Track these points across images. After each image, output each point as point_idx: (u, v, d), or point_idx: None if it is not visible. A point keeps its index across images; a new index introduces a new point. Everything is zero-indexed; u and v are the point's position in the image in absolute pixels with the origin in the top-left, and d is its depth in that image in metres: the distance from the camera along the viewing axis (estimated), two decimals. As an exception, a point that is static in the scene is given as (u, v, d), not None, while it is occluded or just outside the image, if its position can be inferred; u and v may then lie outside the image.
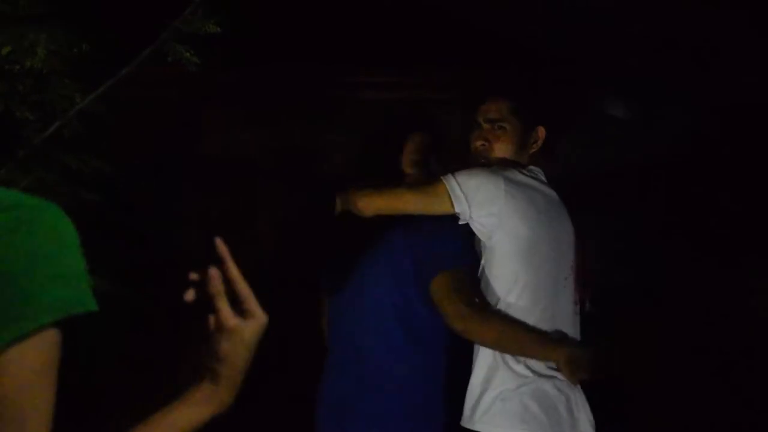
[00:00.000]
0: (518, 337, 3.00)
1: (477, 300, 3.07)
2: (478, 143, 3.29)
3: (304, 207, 4.83)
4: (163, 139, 4.72)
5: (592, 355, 2.95)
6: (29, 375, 1.19)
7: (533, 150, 3.30)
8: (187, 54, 2.78)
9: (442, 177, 3.09)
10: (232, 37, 2.91)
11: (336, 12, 4.51)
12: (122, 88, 2.90)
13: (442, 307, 3.07)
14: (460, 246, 3.17)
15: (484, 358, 3.05)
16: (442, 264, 3.13)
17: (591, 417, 3.03)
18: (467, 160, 3.33)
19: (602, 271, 3.32)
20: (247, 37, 3.95)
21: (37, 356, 1.20)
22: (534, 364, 3.00)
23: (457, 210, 3.05)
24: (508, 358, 3.01)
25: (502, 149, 3.27)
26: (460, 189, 3.04)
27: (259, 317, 1.44)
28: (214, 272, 1.41)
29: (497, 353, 3.03)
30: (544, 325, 3.03)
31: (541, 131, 3.31)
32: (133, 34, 2.89)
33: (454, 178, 3.06)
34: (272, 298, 4.47)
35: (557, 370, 2.97)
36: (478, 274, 3.12)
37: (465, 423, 3.04)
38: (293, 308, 3.97)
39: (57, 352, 1.22)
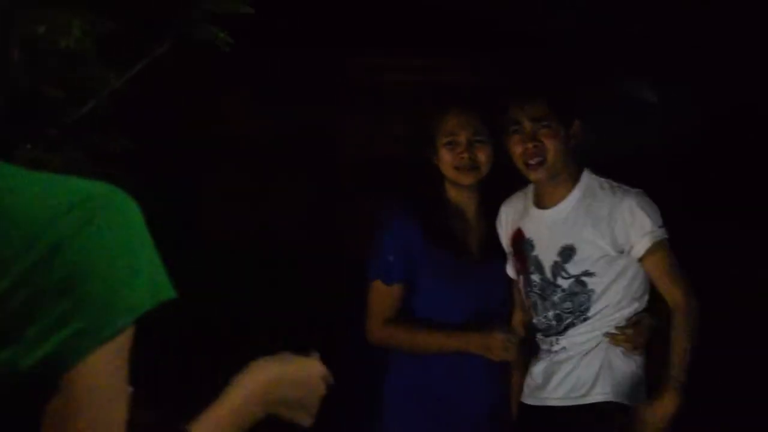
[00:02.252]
0: (423, 341, 3.35)
1: (390, 316, 3.36)
2: (530, 145, 3.20)
3: (324, 191, 4.84)
4: (186, 120, 4.73)
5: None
6: (107, 379, 1.15)
7: (572, 145, 3.28)
8: (221, 35, 2.77)
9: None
10: (255, 19, 2.91)
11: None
12: (151, 68, 2.91)
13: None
14: (396, 260, 3.36)
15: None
16: (373, 272, 3.40)
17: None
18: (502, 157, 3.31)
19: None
20: (269, 19, 3.95)
21: (114, 358, 1.16)
22: None
23: None
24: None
25: (554, 148, 3.21)
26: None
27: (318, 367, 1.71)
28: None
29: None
30: None
31: (577, 125, 3.29)
32: (161, 15, 2.88)
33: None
34: (290, 280, 4.49)
35: None
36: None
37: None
38: (313, 292, 4.00)
39: (130, 345, 1.18)
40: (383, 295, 3.38)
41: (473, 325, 3.36)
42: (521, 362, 3.39)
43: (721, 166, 4.57)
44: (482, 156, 3.34)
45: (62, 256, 1.12)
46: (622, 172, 3.44)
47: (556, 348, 3.28)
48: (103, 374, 1.15)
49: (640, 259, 3.23)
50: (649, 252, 3.21)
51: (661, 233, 3.23)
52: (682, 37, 4.29)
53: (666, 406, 3.19)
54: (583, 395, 3.25)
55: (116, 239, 1.15)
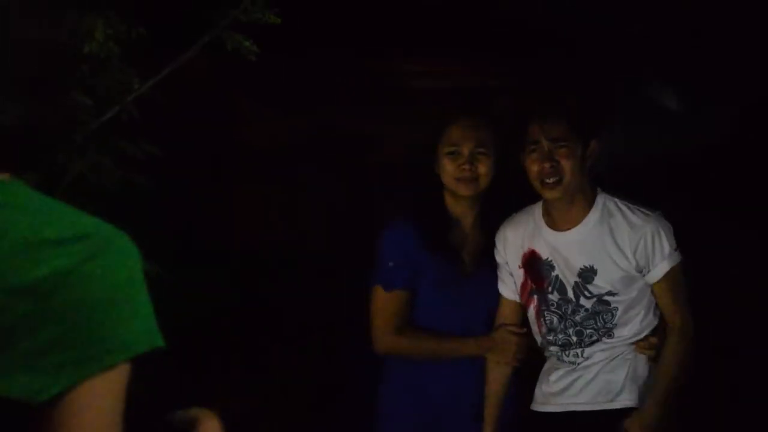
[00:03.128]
0: (433, 349, 3.40)
1: (396, 323, 3.38)
2: (547, 165, 3.19)
3: (351, 197, 4.83)
4: (211, 125, 4.74)
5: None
6: (95, 415, 1.14)
7: (588, 165, 3.28)
8: (246, 43, 2.78)
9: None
10: (282, 24, 2.91)
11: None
12: (176, 75, 2.92)
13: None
14: (396, 266, 3.38)
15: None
16: (374, 279, 3.41)
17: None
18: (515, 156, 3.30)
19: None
20: (295, 25, 3.96)
21: (105, 394, 1.15)
22: None
23: None
24: None
25: (571, 168, 3.21)
26: None
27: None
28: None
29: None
30: None
31: (594, 145, 3.29)
32: (187, 22, 2.89)
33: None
34: (317, 286, 4.49)
35: None
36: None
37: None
38: (339, 297, 3.99)
39: (125, 386, 1.17)
40: (385, 302, 3.40)
41: (459, 335, 3.43)
42: (504, 373, 3.41)
43: (738, 167, 4.54)
44: (483, 168, 3.35)
45: (64, 283, 1.12)
46: (639, 176, 3.44)
47: (579, 360, 3.29)
48: (92, 409, 1.13)
49: (656, 281, 3.28)
50: (666, 275, 3.26)
51: (677, 256, 3.28)
52: (702, 39, 4.26)
53: (645, 418, 3.22)
54: (610, 400, 3.26)
55: (119, 278, 1.16)
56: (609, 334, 3.27)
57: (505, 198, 3.39)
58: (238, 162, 4.79)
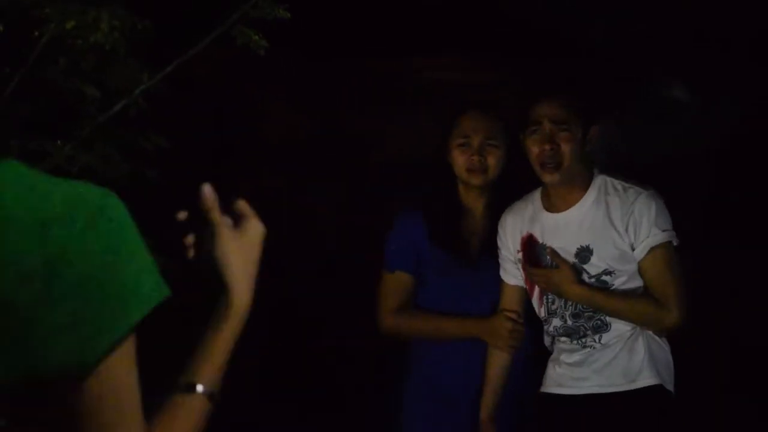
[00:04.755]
0: (433, 329, 3.47)
1: (398, 304, 3.47)
2: (546, 146, 3.21)
3: (361, 192, 4.84)
4: (222, 120, 4.75)
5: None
6: (122, 375, 1.19)
7: (588, 150, 3.29)
8: (256, 38, 2.78)
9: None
10: (291, 20, 2.91)
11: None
12: (185, 69, 2.92)
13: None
14: (398, 249, 3.49)
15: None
16: (384, 265, 3.52)
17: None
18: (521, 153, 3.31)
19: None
20: (303, 21, 3.96)
21: (127, 353, 1.19)
22: None
23: None
24: None
25: (570, 152, 3.22)
26: None
27: (256, 222, 1.45)
28: (208, 188, 1.42)
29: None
30: None
31: (595, 130, 3.30)
32: (197, 15, 2.89)
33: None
34: (329, 280, 4.51)
35: None
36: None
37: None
38: (351, 290, 3.99)
39: (135, 340, 1.21)
40: (387, 283, 3.52)
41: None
42: (502, 358, 3.43)
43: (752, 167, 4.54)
44: (492, 160, 3.45)
45: (71, 256, 1.14)
46: (652, 171, 3.43)
47: (590, 342, 3.28)
48: (123, 373, 1.18)
49: (641, 258, 3.23)
50: (653, 253, 3.22)
51: (668, 236, 3.23)
52: (716, 36, 4.26)
53: (572, 277, 3.22)
54: (632, 381, 3.25)
55: (120, 239, 1.18)
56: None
57: (514, 189, 3.43)
58: (246, 156, 4.80)
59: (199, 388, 1.36)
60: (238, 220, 1.44)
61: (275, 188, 4.84)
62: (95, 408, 1.17)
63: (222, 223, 1.42)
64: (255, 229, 1.45)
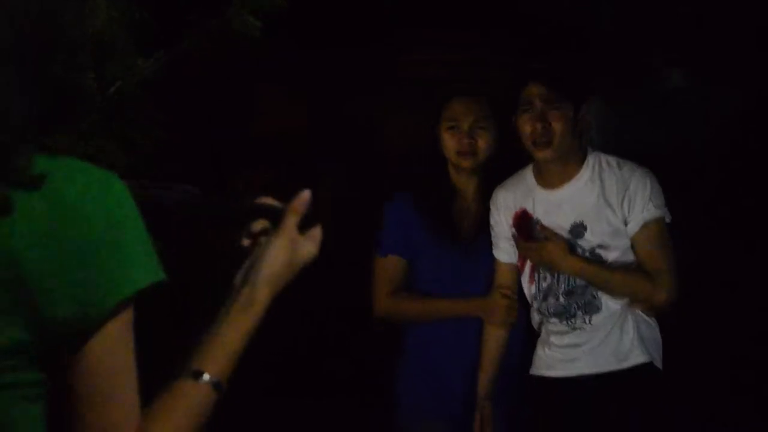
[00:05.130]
0: (427, 310, 3.49)
1: (391, 288, 3.49)
2: (539, 125, 3.23)
3: (361, 182, 4.83)
4: (220, 111, 4.74)
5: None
6: (120, 350, 1.22)
7: (579, 128, 3.30)
8: (251, 19, 2.78)
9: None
10: (289, 11, 2.91)
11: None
12: (181, 59, 2.91)
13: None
14: (390, 234, 3.52)
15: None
16: (376, 249, 3.55)
17: None
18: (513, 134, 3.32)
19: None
20: (302, 12, 3.96)
21: (123, 330, 1.22)
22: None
23: None
24: None
25: (562, 130, 3.23)
26: None
27: (313, 246, 1.54)
28: (307, 194, 1.53)
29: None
30: None
31: (586, 109, 3.32)
32: (194, 6, 2.89)
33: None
34: (328, 273, 4.48)
35: None
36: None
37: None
38: (349, 284, 3.98)
39: (132, 316, 1.24)
40: (380, 268, 3.55)
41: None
42: (499, 336, 3.44)
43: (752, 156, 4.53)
44: (482, 142, 3.47)
45: (77, 221, 1.19)
46: (652, 158, 3.43)
47: (580, 324, 3.28)
48: (117, 340, 1.22)
49: (634, 233, 3.24)
50: (645, 227, 3.23)
51: (661, 213, 3.25)
52: (715, 21, 4.25)
53: (565, 248, 3.22)
54: (623, 360, 3.26)
55: (117, 214, 1.21)
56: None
57: (505, 170, 3.45)
58: (243, 147, 4.79)
59: (206, 376, 1.37)
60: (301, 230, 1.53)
61: (272, 178, 4.83)
62: (88, 381, 1.21)
63: (290, 229, 1.51)
64: (309, 251, 1.53)
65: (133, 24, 2.74)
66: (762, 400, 4.16)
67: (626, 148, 3.65)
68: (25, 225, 1.17)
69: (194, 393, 1.36)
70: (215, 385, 1.38)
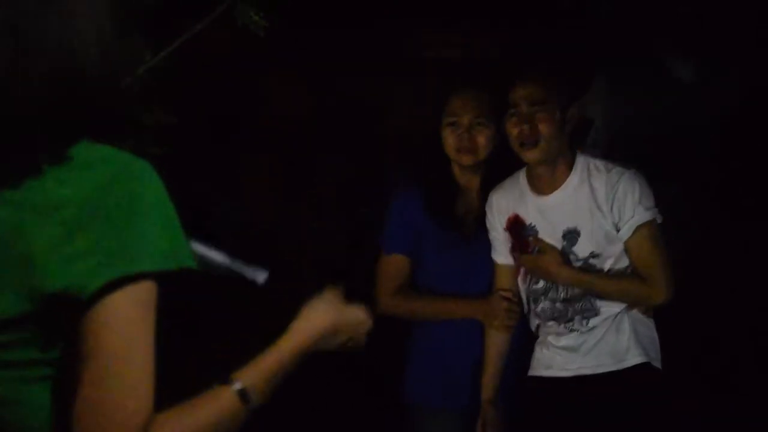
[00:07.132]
0: (430, 310, 3.52)
1: (395, 286, 3.52)
2: (525, 127, 3.25)
3: (364, 166, 4.85)
4: (224, 95, 4.75)
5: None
6: (125, 325, 1.22)
7: (567, 129, 3.31)
8: (256, 17, 2.80)
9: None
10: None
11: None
12: (187, 46, 2.94)
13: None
14: (395, 231, 3.54)
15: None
16: (382, 247, 3.57)
17: None
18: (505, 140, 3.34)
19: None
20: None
21: (133, 307, 1.23)
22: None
23: None
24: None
25: (548, 131, 3.25)
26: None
27: (365, 323, 1.80)
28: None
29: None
30: None
31: (574, 110, 3.33)
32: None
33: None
34: (331, 257, 4.51)
35: None
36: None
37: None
38: (353, 268, 4.02)
39: (154, 304, 1.25)
40: (384, 265, 3.57)
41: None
42: (500, 338, 3.46)
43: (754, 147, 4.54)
44: (482, 139, 3.47)
45: (92, 200, 1.23)
46: (653, 149, 3.44)
47: (577, 326, 3.31)
48: (121, 319, 1.22)
49: (627, 238, 3.27)
50: (638, 231, 3.26)
51: (652, 214, 3.28)
52: (718, 12, 4.26)
53: (560, 258, 3.27)
54: (620, 360, 3.29)
55: (145, 198, 1.25)
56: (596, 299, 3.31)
57: (509, 166, 3.44)
58: (250, 132, 4.81)
59: (236, 385, 1.43)
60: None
61: (276, 163, 4.85)
62: (92, 350, 1.21)
63: (336, 298, 1.76)
64: (355, 328, 1.81)
65: (138, 11, 2.75)
66: (762, 400, 4.17)
67: (623, 135, 3.66)
68: (40, 196, 1.22)
69: (220, 396, 1.41)
70: (241, 393, 1.43)
